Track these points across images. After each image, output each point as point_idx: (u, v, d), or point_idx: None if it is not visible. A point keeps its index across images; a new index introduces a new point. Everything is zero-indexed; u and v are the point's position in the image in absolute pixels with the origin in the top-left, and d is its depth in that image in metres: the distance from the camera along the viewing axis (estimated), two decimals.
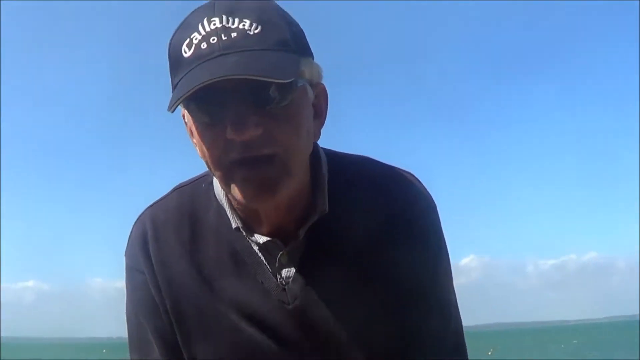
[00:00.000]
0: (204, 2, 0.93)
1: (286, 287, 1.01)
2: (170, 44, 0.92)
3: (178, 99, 0.83)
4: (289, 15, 0.93)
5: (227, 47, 0.85)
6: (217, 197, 1.04)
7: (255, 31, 0.87)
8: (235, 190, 0.90)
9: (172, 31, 0.94)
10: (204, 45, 0.86)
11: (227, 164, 0.89)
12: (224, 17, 0.87)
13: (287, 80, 0.84)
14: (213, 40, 0.86)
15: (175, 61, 0.90)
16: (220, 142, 0.87)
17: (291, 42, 0.89)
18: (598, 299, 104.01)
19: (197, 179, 1.10)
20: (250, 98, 0.86)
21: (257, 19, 0.87)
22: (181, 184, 1.11)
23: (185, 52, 0.88)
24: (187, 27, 0.90)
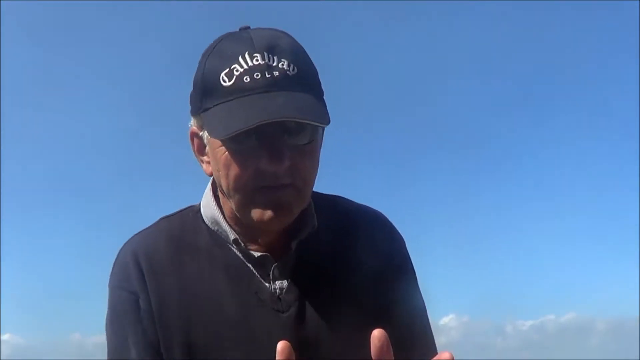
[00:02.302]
0: (236, 31, 1.02)
1: (280, 296, 1.05)
2: (203, 68, 0.99)
3: (240, 129, 0.90)
4: (308, 55, 1.03)
5: (270, 85, 0.94)
6: (207, 222, 1.10)
7: (293, 72, 0.96)
8: (255, 212, 0.98)
9: (202, 55, 1.01)
10: (246, 79, 0.94)
11: (251, 188, 0.97)
12: (266, 55, 0.95)
13: (326, 125, 0.95)
14: (257, 76, 0.94)
15: (211, 86, 0.97)
16: (251, 169, 0.96)
17: (317, 86, 1.01)
18: None
19: (182, 210, 1.16)
20: (286, 134, 0.96)
21: (292, 60, 0.96)
22: (166, 215, 1.17)
23: (225, 81, 0.95)
24: (224, 56, 0.97)
